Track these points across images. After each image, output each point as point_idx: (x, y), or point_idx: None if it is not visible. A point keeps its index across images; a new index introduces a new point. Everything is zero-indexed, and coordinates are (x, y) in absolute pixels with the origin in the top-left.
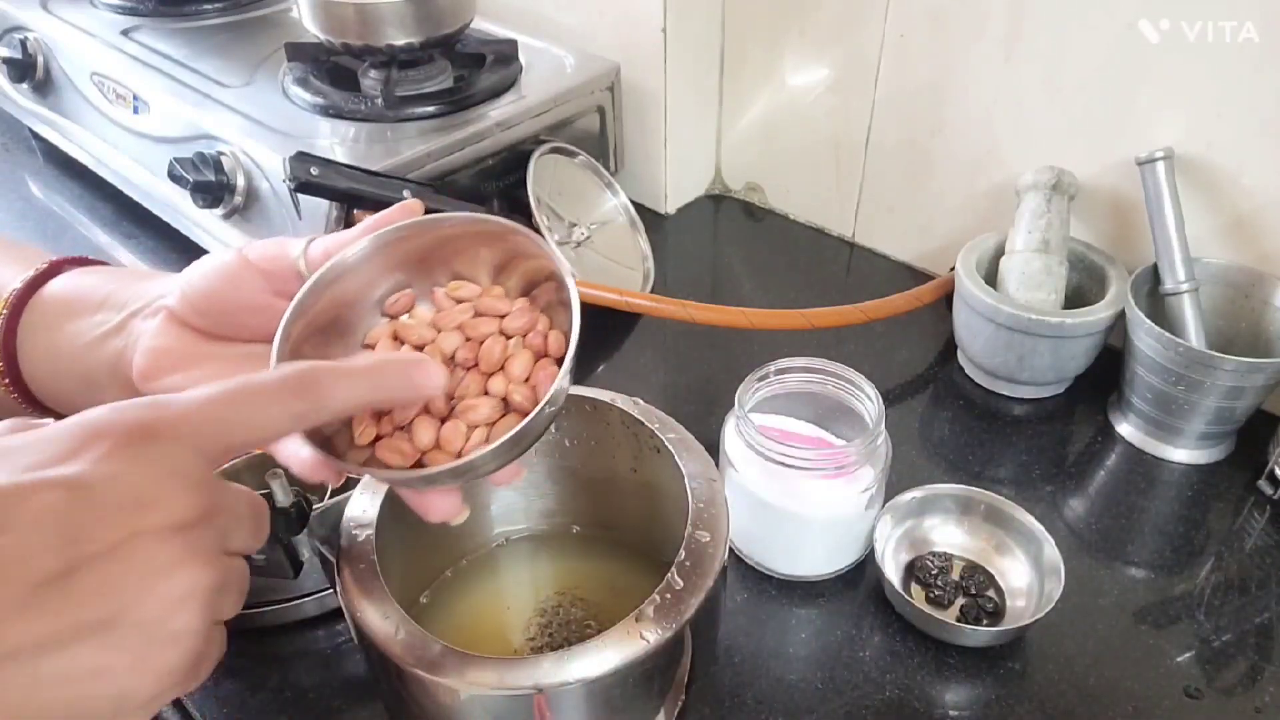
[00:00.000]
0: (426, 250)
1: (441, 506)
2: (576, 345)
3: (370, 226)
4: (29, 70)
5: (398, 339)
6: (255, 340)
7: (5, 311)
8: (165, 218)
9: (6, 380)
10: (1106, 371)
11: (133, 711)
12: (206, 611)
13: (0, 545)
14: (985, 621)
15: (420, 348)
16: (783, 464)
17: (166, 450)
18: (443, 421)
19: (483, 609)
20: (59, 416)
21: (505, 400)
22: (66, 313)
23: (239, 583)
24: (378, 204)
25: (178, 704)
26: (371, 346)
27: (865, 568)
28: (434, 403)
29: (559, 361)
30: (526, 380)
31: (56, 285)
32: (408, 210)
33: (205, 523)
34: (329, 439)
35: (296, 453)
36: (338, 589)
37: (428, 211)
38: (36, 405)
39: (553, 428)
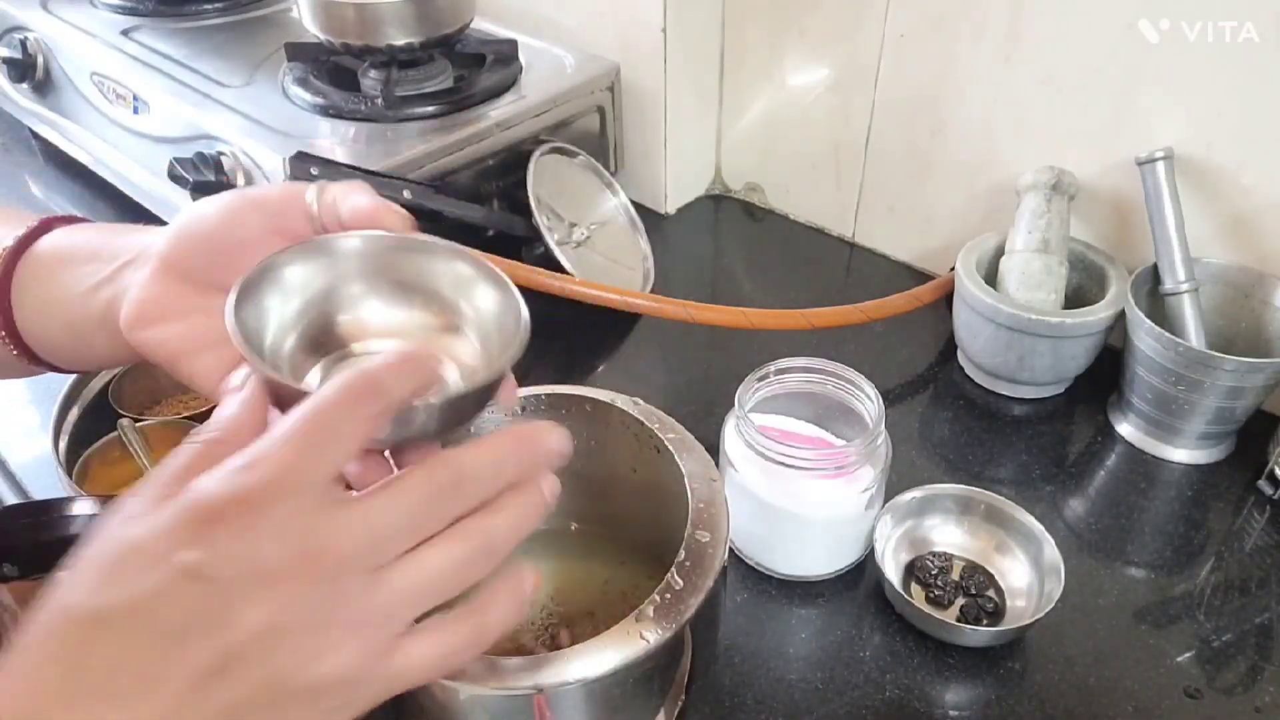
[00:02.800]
0: (402, 262)
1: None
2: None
3: (364, 211)
4: (29, 70)
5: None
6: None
7: (1, 265)
8: (165, 218)
9: (3, 334)
10: (1106, 371)
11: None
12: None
13: (147, 656)
14: (985, 621)
15: None
16: (783, 464)
17: (273, 518)
18: None
19: None
20: (54, 369)
21: None
22: (59, 265)
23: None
24: None
25: None
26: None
27: (865, 568)
28: None
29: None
30: None
31: (49, 240)
32: (402, 220)
33: (341, 563)
34: None
35: None
36: None
37: (428, 211)
38: (34, 359)
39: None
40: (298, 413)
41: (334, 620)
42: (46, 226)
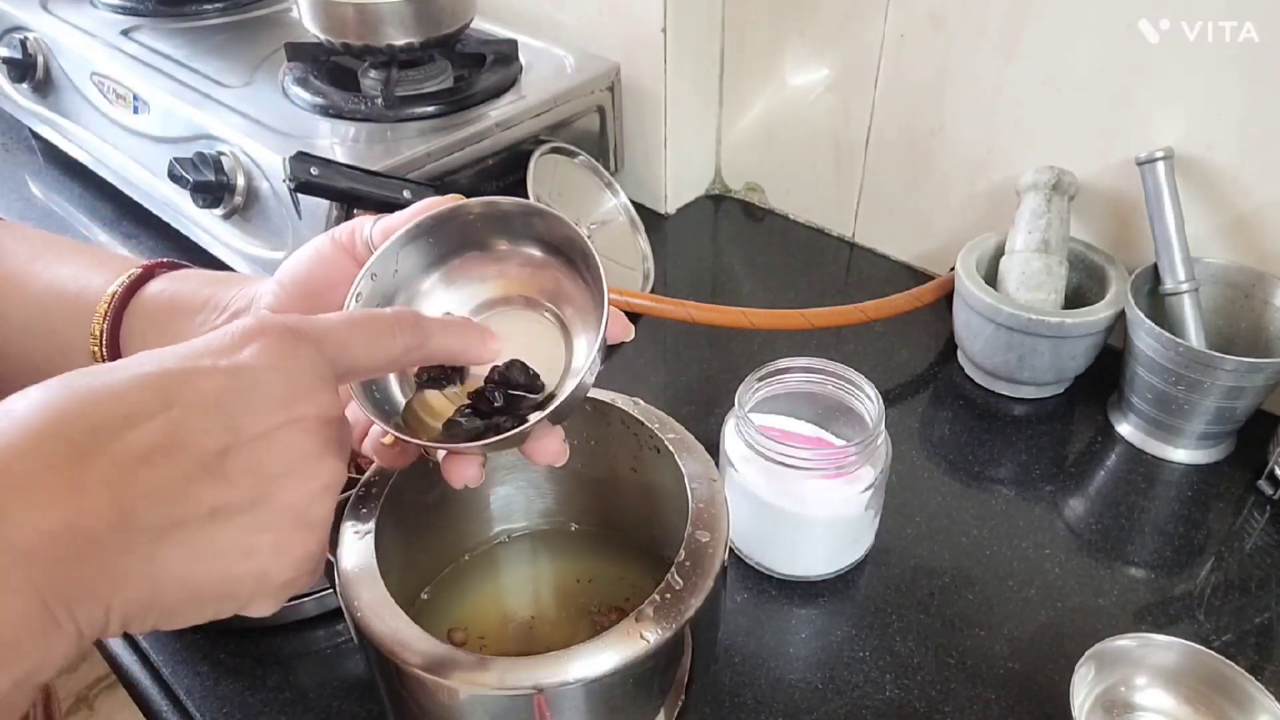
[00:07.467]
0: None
1: (466, 472)
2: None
3: (420, 209)
4: (29, 70)
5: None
6: None
7: (108, 314)
8: (165, 218)
9: None
10: (1106, 371)
11: (269, 595)
12: (333, 506)
13: (167, 419)
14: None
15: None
16: (783, 464)
17: (313, 354)
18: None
19: (483, 606)
20: None
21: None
22: (169, 313)
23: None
24: (378, 204)
25: (178, 704)
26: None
27: (865, 568)
28: None
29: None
30: None
31: (155, 288)
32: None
33: (341, 422)
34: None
35: (375, 440)
36: (338, 589)
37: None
38: None
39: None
40: (354, 311)
41: (325, 465)
42: (149, 273)
